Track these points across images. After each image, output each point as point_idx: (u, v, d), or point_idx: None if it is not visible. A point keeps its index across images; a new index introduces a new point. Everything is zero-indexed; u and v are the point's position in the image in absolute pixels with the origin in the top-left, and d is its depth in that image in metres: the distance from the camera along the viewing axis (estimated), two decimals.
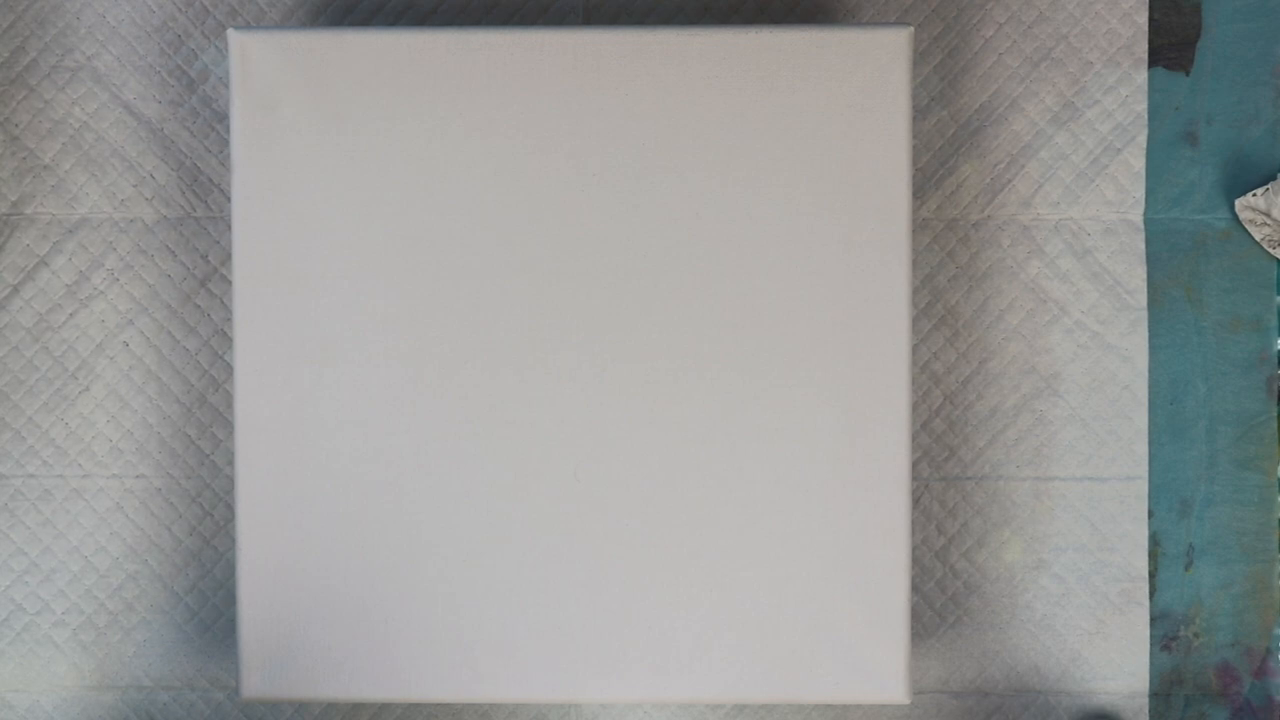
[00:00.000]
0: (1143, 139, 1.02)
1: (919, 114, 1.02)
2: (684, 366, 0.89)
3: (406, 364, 0.90)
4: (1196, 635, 1.03)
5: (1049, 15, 1.02)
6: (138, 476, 1.04)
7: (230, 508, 1.04)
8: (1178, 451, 1.03)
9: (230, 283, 1.03)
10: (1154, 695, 1.03)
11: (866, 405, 0.89)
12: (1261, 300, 1.03)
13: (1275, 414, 1.03)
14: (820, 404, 0.89)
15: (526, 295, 0.89)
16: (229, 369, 1.04)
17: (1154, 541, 1.03)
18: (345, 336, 0.90)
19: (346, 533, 0.90)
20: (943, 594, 1.04)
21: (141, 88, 1.04)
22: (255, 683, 0.91)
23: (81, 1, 1.03)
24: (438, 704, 1.03)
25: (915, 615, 1.03)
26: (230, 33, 0.89)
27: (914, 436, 1.02)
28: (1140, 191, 1.03)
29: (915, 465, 1.03)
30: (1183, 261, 1.03)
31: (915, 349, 1.03)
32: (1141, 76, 1.02)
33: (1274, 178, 1.01)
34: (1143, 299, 1.03)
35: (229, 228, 1.00)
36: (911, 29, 0.88)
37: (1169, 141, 1.03)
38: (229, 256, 1.03)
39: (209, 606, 1.05)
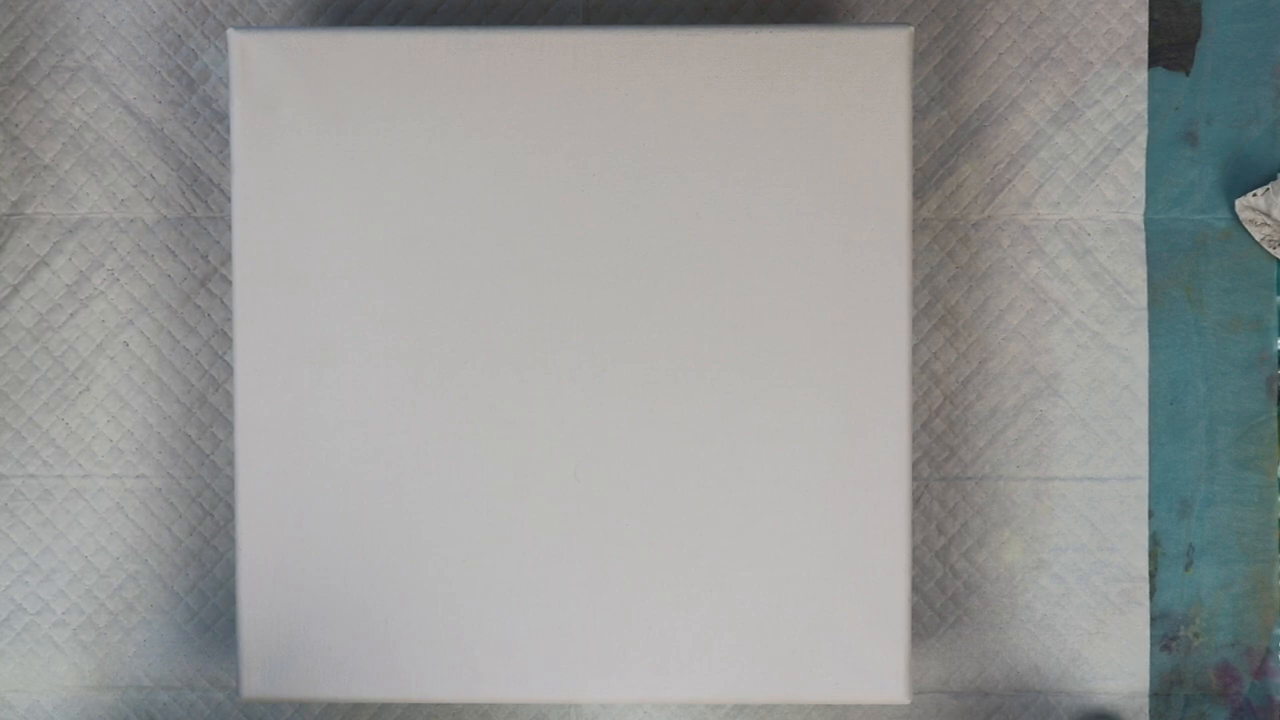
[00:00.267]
0: (1143, 139, 1.02)
1: (919, 114, 1.02)
2: (684, 366, 0.89)
3: (406, 364, 0.90)
4: (1196, 635, 1.03)
5: (1049, 15, 1.02)
6: (138, 476, 1.04)
7: (230, 508, 1.04)
8: (1178, 451, 1.03)
9: (230, 283, 1.03)
10: (1154, 695, 1.03)
11: (866, 405, 0.89)
12: (1261, 300, 1.03)
13: (1275, 414, 1.03)
14: (820, 404, 0.89)
15: (526, 295, 0.89)
16: (229, 369, 1.04)
17: (1154, 541, 1.03)
18: (345, 336, 0.90)
19: (346, 533, 0.90)
20: (943, 594, 1.04)
21: (141, 88, 1.04)
22: (255, 683, 0.91)
23: (81, 1, 1.03)
24: (438, 704, 1.03)
25: (915, 615, 1.03)
26: (230, 33, 0.89)
27: (914, 436, 1.02)
28: (1140, 191, 1.03)
29: (915, 465, 1.03)
30: (1183, 261, 1.03)
31: (915, 349, 1.03)
32: (1141, 76, 1.02)
33: (1274, 178, 1.01)
34: (1143, 299, 1.03)
35: (229, 228, 1.00)
36: (911, 29, 0.88)
37: (1169, 141, 1.03)
38: (229, 256, 1.03)
39: (209, 606, 1.05)
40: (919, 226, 1.03)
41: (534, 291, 0.89)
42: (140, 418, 1.04)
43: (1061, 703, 1.03)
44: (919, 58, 1.02)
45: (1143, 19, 1.02)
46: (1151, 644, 1.03)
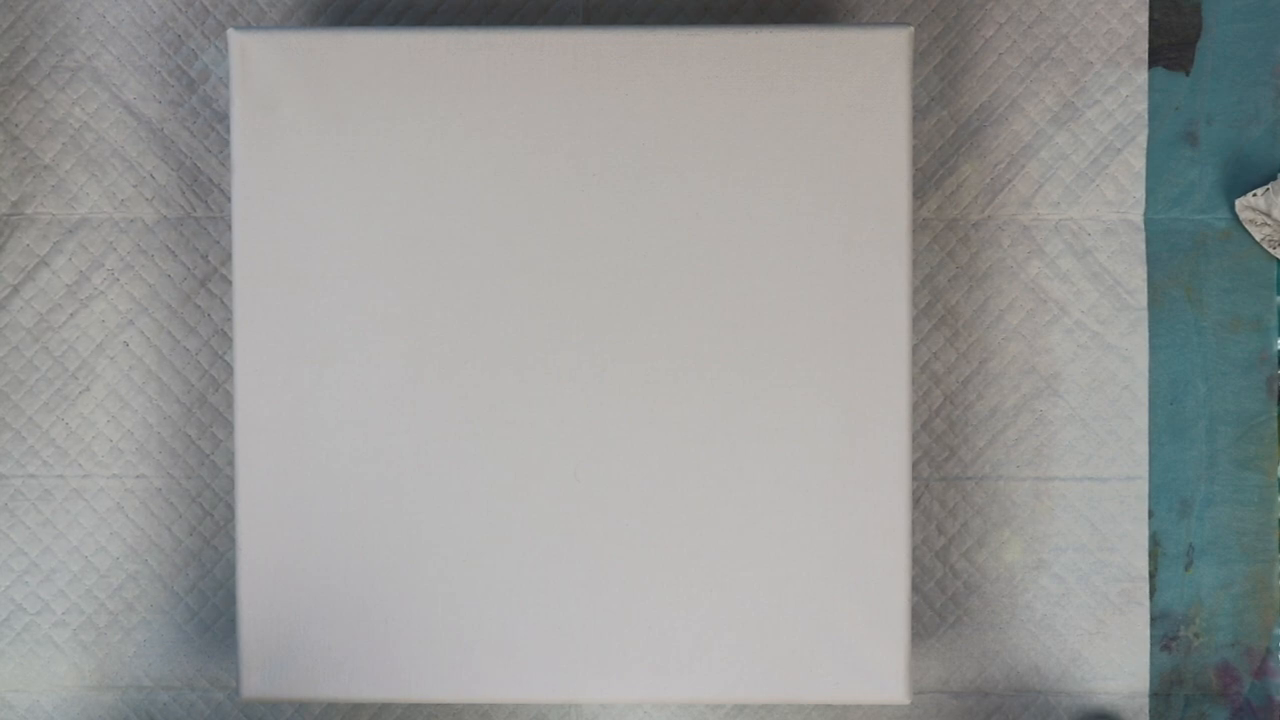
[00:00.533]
0: (1143, 139, 1.02)
1: (919, 114, 1.02)
2: (684, 366, 0.89)
3: (406, 364, 0.90)
4: (1196, 635, 1.03)
5: (1049, 15, 1.02)
6: (138, 476, 1.04)
7: (230, 508, 1.04)
8: (1178, 451, 1.03)
9: (230, 283, 1.03)
10: (1154, 695, 1.03)
11: (866, 405, 0.89)
12: (1261, 300, 1.03)
13: (1275, 414, 1.03)
14: (820, 404, 0.89)
15: (526, 295, 0.89)
16: (229, 369, 1.04)
17: (1154, 541, 1.03)
18: (345, 336, 0.90)
19: (346, 533, 0.90)
20: (943, 594, 1.04)
21: (141, 88, 1.04)
22: (255, 683, 0.91)
23: (81, 1, 1.03)
24: (438, 704, 1.03)
25: (915, 615, 1.03)
26: (230, 33, 0.89)
27: (914, 436, 1.02)
28: (1140, 191, 1.03)
29: (915, 465, 1.03)
30: (1183, 261, 1.03)
31: (915, 349, 1.03)
32: (1141, 76, 1.02)
33: (1274, 178, 1.01)
34: (1143, 299, 1.03)
35: (229, 228, 1.00)
36: (911, 29, 0.88)
37: (1169, 141, 1.03)
38: (229, 256, 1.03)
39: (209, 606, 1.05)
40: (919, 226, 1.03)
41: (534, 291, 0.89)
42: (140, 418, 1.04)
43: (1061, 703, 1.03)
44: (919, 58, 1.02)
45: (1143, 19, 1.02)
46: (1151, 644, 1.03)
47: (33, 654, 1.05)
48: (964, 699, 1.04)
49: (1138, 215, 1.03)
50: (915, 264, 1.02)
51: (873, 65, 0.88)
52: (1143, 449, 1.03)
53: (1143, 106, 1.02)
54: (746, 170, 0.89)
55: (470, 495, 0.90)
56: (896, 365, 0.89)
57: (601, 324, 0.89)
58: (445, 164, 0.89)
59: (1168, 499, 1.03)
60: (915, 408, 1.03)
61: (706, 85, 0.88)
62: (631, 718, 1.04)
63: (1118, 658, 1.03)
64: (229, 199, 0.99)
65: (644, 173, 0.89)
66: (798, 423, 0.89)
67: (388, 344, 0.90)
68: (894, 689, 0.90)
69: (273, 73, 0.89)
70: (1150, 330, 1.03)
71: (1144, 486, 1.03)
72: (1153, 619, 1.03)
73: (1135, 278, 1.03)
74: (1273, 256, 1.02)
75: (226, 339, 1.04)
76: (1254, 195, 1.00)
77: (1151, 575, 1.03)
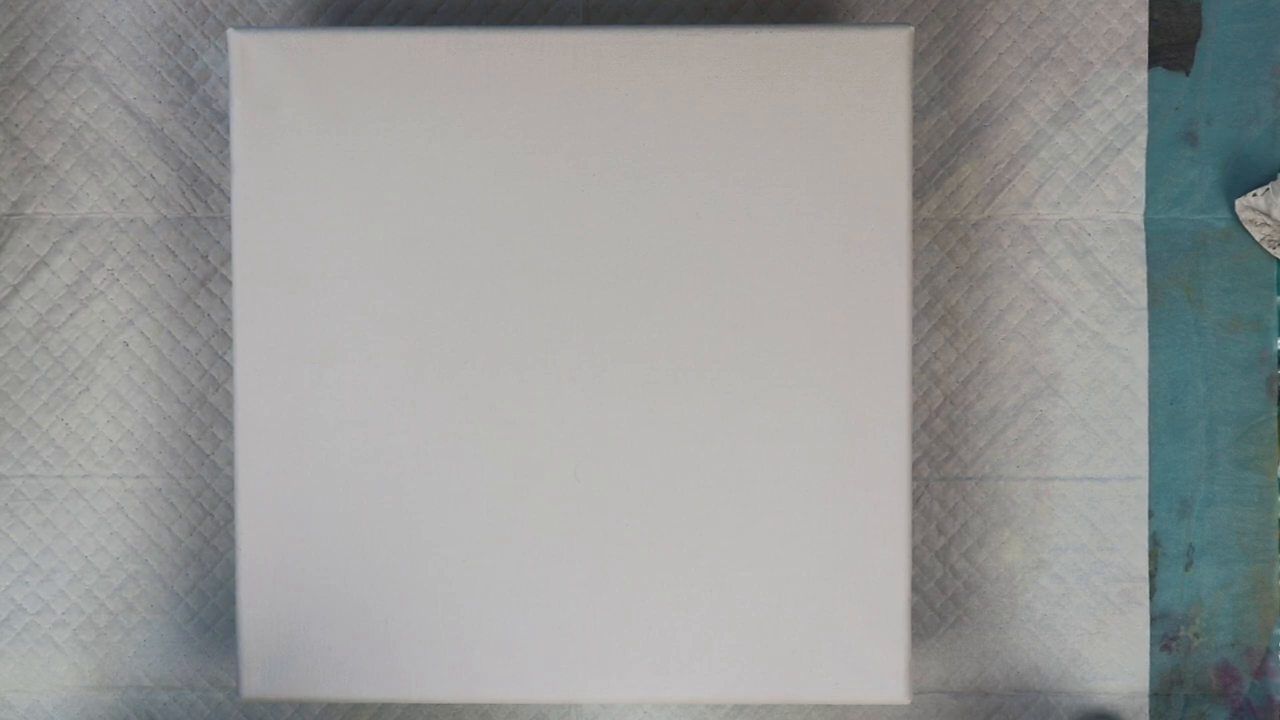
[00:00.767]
0: (1143, 139, 1.02)
1: (919, 114, 1.02)
2: (684, 366, 0.89)
3: (406, 364, 0.90)
4: (1196, 635, 1.03)
5: (1049, 15, 1.02)
6: (138, 476, 1.04)
7: (230, 508, 1.04)
8: (1178, 451, 1.03)
9: (230, 283, 1.03)
10: (1154, 695, 1.03)
11: (866, 405, 0.89)
12: (1261, 300, 1.03)
13: (1275, 414, 1.03)
14: (820, 404, 0.89)
15: (526, 295, 0.89)
16: (229, 369, 1.04)
17: (1154, 541, 1.03)
18: (345, 336, 0.90)
19: (346, 533, 0.90)
20: (943, 594, 1.04)
21: (141, 88, 1.04)
22: (255, 683, 0.91)
23: (81, 1, 1.03)
24: (438, 704, 1.03)
25: (915, 615, 1.03)
26: (230, 33, 0.89)
27: (914, 436, 1.02)
28: (1140, 191, 1.03)
29: (915, 465, 1.03)
30: (1183, 261, 1.03)
31: (915, 349, 1.03)
32: (1141, 76, 1.02)
33: (1274, 178, 1.01)
34: (1143, 299, 1.03)
35: (229, 228, 1.00)
36: (911, 29, 0.88)
37: (1169, 141, 1.03)
38: (229, 256, 1.03)
39: (209, 606, 1.05)
40: (919, 226, 1.03)
41: (534, 291, 0.89)
42: (140, 418, 1.04)
43: (1061, 703, 1.03)
44: (919, 58, 1.02)
45: (1143, 19, 1.02)
46: (1151, 644, 1.03)
47: (33, 654, 1.05)
48: (964, 699, 1.04)
49: (1138, 215, 1.03)
50: (915, 264, 1.02)
51: (873, 65, 0.88)
52: (1143, 449, 1.03)
53: (1143, 106, 1.02)
54: (746, 170, 0.89)
55: (470, 495, 0.90)
56: (896, 365, 0.89)
57: (601, 324, 0.89)
58: (445, 164, 0.89)
59: (1168, 499, 1.03)
60: (915, 408, 1.03)
61: (706, 85, 0.88)
62: (631, 718, 1.04)
63: (1118, 658, 1.03)
64: (229, 199, 0.99)
65: (644, 173, 0.89)
66: (798, 423, 0.89)
67: (388, 344, 0.90)
68: (894, 689, 0.90)
69: (273, 73, 0.89)
70: (1150, 330, 1.03)
71: (1144, 486, 1.03)
72: (1153, 619, 1.03)
73: (1135, 278, 1.03)
74: (1273, 256, 1.02)
75: (226, 339, 1.04)
76: (1254, 195, 1.00)
77: (1151, 575, 1.03)
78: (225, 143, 1.03)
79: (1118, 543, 1.03)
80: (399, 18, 1.03)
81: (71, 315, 1.04)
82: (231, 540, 1.04)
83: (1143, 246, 1.03)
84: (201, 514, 1.04)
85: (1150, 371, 1.03)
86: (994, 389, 1.03)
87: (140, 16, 1.03)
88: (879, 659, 0.90)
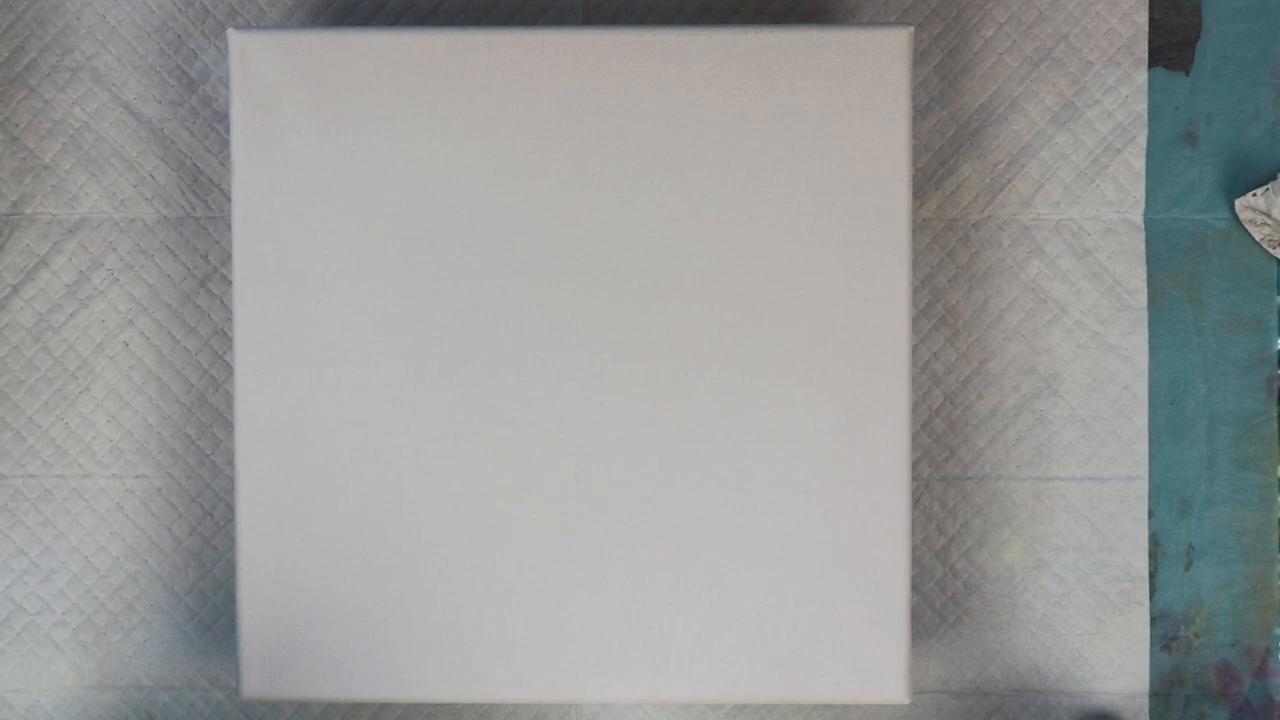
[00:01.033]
0: (1143, 139, 1.02)
1: (919, 114, 1.02)
2: (684, 366, 0.89)
3: (406, 364, 0.90)
4: (1196, 635, 1.03)
5: (1049, 15, 1.02)
6: (138, 476, 1.04)
7: (230, 508, 1.04)
8: (1178, 451, 1.03)
9: (230, 283, 1.03)
10: (1154, 695, 1.03)
11: (866, 405, 0.89)
12: (1261, 300, 1.03)
13: (1275, 414, 1.03)
14: (820, 404, 0.89)
15: (526, 295, 0.89)
16: (229, 369, 1.04)
17: (1154, 541, 1.03)
18: (345, 336, 0.90)
19: (346, 533, 0.90)
20: (943, 594, 1.04)
21: (141, 88, 1.04)
22: (255, 683, 0.91)
23: (81, 1, 1.03)
24: (438, 704, 1.03)
25: (915, 615, 1.03)
26: (230, 33, 0.89)
27: (914, 436, 1.02)
28: (1140, 191, 1.03)
29: (915, 465, 1.03)
30: (1183, 261, 1.03)
31: (915, 349, 1.03)
32: (1141, 76, 1.02)
33: (1274, 178, 1.01)
34: (1143, 299, 1.03)
35: (229, 228, 1.00)
36: (911, 29, 0.88)
37: (1169, 141, 1.03)
38: (229, 256, 1.03)
39: (209, 606, 1.05)
40: (919, 226, 1.03)
41: (534, 291, 0.89)
42: (140, 418, 1.04)
43: (1061, 703, 1.03)
44: (919, 58, 1.02)
45: (1143, 19, 1.02)
46: (1151, 644, 1.03)
47: (33, 654, 1.05)
48: (964, 699, 1.04)
49: (1138, 215, 1.03)
50: (915, 264, 1.02)
51: (873, 65, 0.88)
52: (1143, 449, 1.03)
53: (1143, 106, 1.02)
54: (746, 170, 0.89)
55: (470, 495, 0.90)
56: (896, 365, 0.89)
57: (601, 324, 0.89)
58: (445, 164, 0.89)
59: (1168, 499, 1.03)
60: (915, 408, 1.03)
61: (706, 85, 0.88)
62: (631, 718, 1.04)
63: (1118, 658, 1.03)
64: (229, 199, 0.99)
65: (644, 173, 0.89)
66: (798, 423, 0.89)
67: (388, 344, 0.90)
68: (894, 689, 0.90)
69: (273, 73, 0.89)
70: (1150, 330, 1.03)
71: (1144, 486, 1.03)
72: (1153, 619, 1.03)
73: (1135, 278, 1.03)
74: (1273, 256, 1.02)
75: (226, 339, 1.04)
76: (1254, 195, 1.00)
77: (1151, 575, 1.03)
78: (225, 143, 1.03)
79: (1118, 543, 1.03)
80: (399, 18, 1.03)
81: (71, 315, 1.04)
82: (231, 540, 1.04)
83: (1143, 246, 1.03)
84: (201, 514, 1.04)
85: (1150, 371, 1.03)
86: (994, 389, 1.03)
87: (140, 16, 1.03)
88: (879, 659, 0.90)
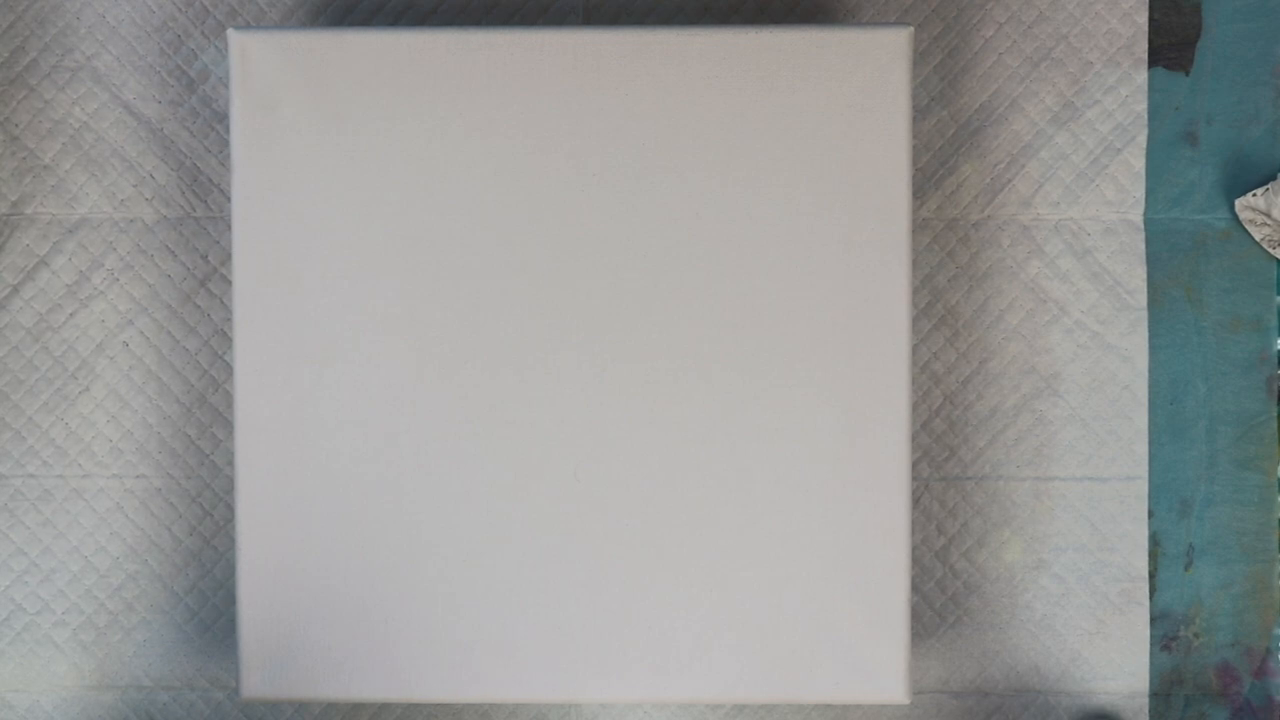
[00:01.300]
0: (1143, 139, 1.02)
1: (919, 114, 1.02)
2: (684, 366, 0.89)
3: (406, 364, 0.90)
4: (1196, 635, 1.03)
5: (1049, 15, 1.02)
6: (138, 476, 1.04)
7: (230, 508, 1.04)
8: (1178, 451, 1.03)
9: (230, 283, 1.03)
10: (1154, 695, 1.03)
11: (866, 405, 0.89)
12: (1261, 300, 1.03)
13: (1275, 414, 1.03)
14: (820, 404, 0.89)
15: (526, 295, 0.89)
16: (229, 369, 1.04)
17: (1154, 541, 1.03)
18: (345, 336, 0.90)
19: (346, 533, 0.90)
20: (943, 594, 1.04)
21: (141, 88, 1.04)
22: (255, 683, 0.91)
23: (81, 1, 1.03)
24: (438, 704, 1.03)
25: (915, 615, 1.03)
26: (230, 33, 0.89)
27: (914, 436, 1.02)
28: (1140, 191, 1.03)
29: (915, 465, 1.03)
30: (1183, 261, 1.03)
31: (915, 349, 1.03)
32: (1141, 76, 1.02)
33: (1274, 178, 1.01)
34: (1143, 299, 1.03)
35: (229, 228, 1.00)
36: (911, 29, 0.88)
37: (1169, 141, 1.03)
38: (229, 256, 1.03)
39: (209, 606, 1.05)
40: (919, 226, 1.03)
41: (534, 291, 0.89)
42: (140, 418, 1.04)
43: (1061, 703, 1.03)
44: (919, 58, 1.02)
45: (1143, 19, 1.02)
46: (1151, 644, 1.03)
47: (33, 654, 1.05)
48: (964, 699, 1.04)
49: (1138, 215, 1.03)
50: (915, 264, 1.02)
51: (873, 65, 0.88)
52: (1143, 449, 1.03)
53: (1143, 106, 1.02)
54: (746, 170, 0.89)
55: (470, 495, 0.90)
56: (896, 365, 0.89)
57: (601, 324, 0.89)
58: (445, 164, 0.89)
59: (1168, 499, 1.03)
60: (915, 408, 1.03)
61: (706, 85, 0.88)
62: (631, 718, 1.04)
63: (1118, 658, 1.03)
64: (229, 199, 0.99)
65: (644, 173, 0.89)
66: (798, 423, 0.89)
67: (388, 344, 0.90)
68: (894, 689, 0.90)
69: (273, 73, 0.89)
70: (1150, 330, 1.03)
71: (1144, 486, 1.03)
72: (1153, 619, 1.03)
73: (1135, 278, 1.03)
74: (1273, 256, 1.02)
75: (226, 339, 1.04)
76: (1254, 195, 1.00)
77: (1151, 575, 1.03)
78: (225, 143, 1.03)
79: (1118, 543, 1.03)
80: (399, 18, 1.03)
81: (71, 315, 1.04)
82: (231, 540, 1.04)
83: (1143, 246, 1.03)
84: (201, 514, 1.04)
85: (1150, 371, 1.03)
86: (994, 389, 1.03)
87: (140, 16, 1.03)
88: (879, 659, 0.90)
